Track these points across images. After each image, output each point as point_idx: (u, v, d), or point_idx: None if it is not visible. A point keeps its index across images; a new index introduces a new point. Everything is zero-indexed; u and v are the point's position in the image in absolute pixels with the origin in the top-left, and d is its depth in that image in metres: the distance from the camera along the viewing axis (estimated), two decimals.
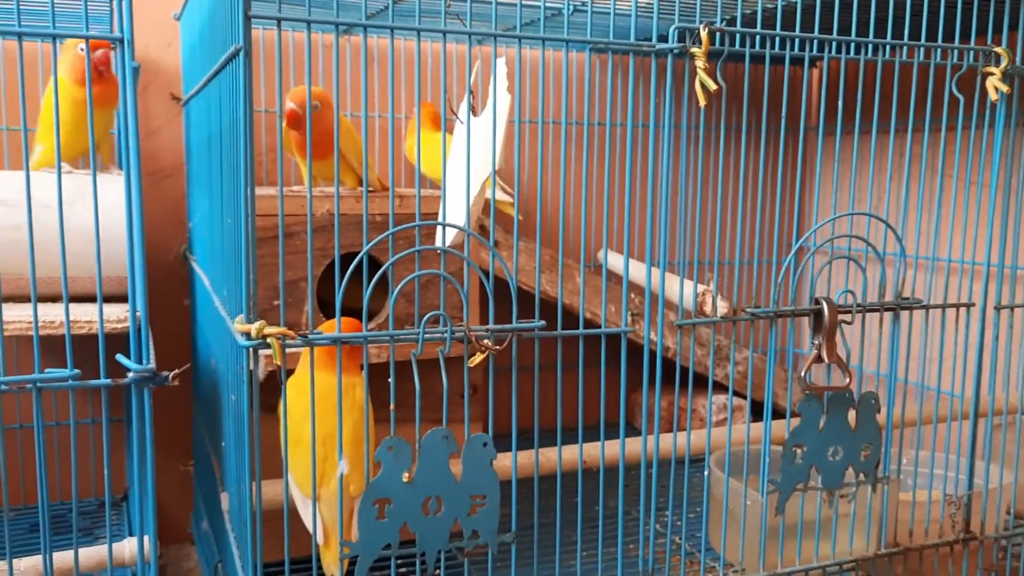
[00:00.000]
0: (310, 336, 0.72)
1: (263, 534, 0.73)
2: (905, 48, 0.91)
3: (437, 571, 0.78)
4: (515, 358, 0.76)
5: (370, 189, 1.15)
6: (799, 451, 0.88)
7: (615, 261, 1.44)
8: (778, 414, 1.54)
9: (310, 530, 0.83)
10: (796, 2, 1.08)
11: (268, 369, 0.93)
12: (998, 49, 0.93)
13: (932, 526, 0.98)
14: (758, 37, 0.85)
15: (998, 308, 0.99)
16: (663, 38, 0.81)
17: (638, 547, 0.93)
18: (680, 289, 1.04)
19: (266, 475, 0.78)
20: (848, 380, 0.88)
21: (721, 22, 0.92)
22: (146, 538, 0.76)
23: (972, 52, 0.94)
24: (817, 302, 0.88)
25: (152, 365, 0.70)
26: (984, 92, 0.94)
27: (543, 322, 0.78)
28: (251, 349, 0.70)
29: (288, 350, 0.71)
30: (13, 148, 1.28)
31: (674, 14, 0.83)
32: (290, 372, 0.83)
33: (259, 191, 0.78)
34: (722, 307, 1.03)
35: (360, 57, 0.68)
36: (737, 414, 1.53)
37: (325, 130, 1.01)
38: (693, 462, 0.89)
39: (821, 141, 1.04)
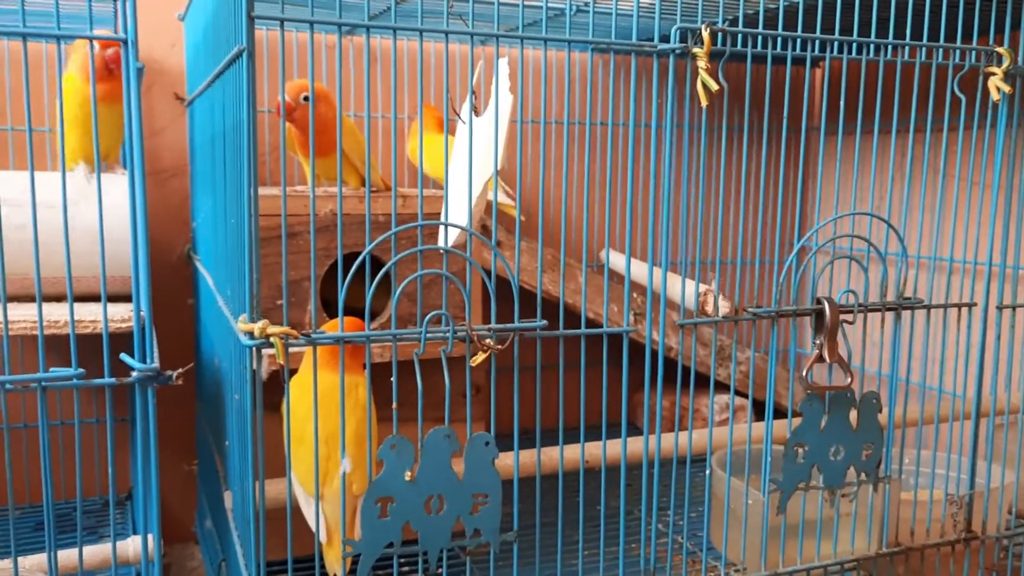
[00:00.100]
0: (313, 336, 0.72)
1: (266, 533, 0.74)
2: (907, 48, 0.91)
3: (439, 570, 0.78)
4: (517, 358, 0.76)
5: (374, 189, 1.15)
6: (801, 451, 0.88)
7: (617, 261, 1.44)
8: (780, 414, 1.54)
9: (313, 529, 0.83)
10: (798, 2, 1.08)
11: (271, 368, 0.93)
12: (1000, 49, 0.93)
13: (933, 526, 0.98)
14: (760, 37, 0.85)
15: (1000, 308, 0.99)
16: (665, 38, 0.81)
17: (640, 546, 0.93)
18: (682, 289, 1.04)
19: (269, 474, 0.78)
20: (850, 380, 0.88)
21: (723, 22, 0.92)
22: (150, 537, 0.76)
23: (974, 52, 0.94)
24: (819, 302, 0.88)
25: (156, 364, 0.70)
26: (986, 92, 0.94)
27: (545, 322, 0.78)
28: (254, 348, 0.71)
29: (291, 349, 0.71)
30: (17, 148, 1.28)
31: (676, 14, 0.83)
32: (293, 371, 0.83)
33: (262, 191, 0.78)
34: (724, 307, 1.04)
35: (363, 57, 0.68)
36: (739, 414, 1.53)
37: (325, 124, 1.01)
38: (695, 462, 0.89)
39: (823, 141, 1.04)
